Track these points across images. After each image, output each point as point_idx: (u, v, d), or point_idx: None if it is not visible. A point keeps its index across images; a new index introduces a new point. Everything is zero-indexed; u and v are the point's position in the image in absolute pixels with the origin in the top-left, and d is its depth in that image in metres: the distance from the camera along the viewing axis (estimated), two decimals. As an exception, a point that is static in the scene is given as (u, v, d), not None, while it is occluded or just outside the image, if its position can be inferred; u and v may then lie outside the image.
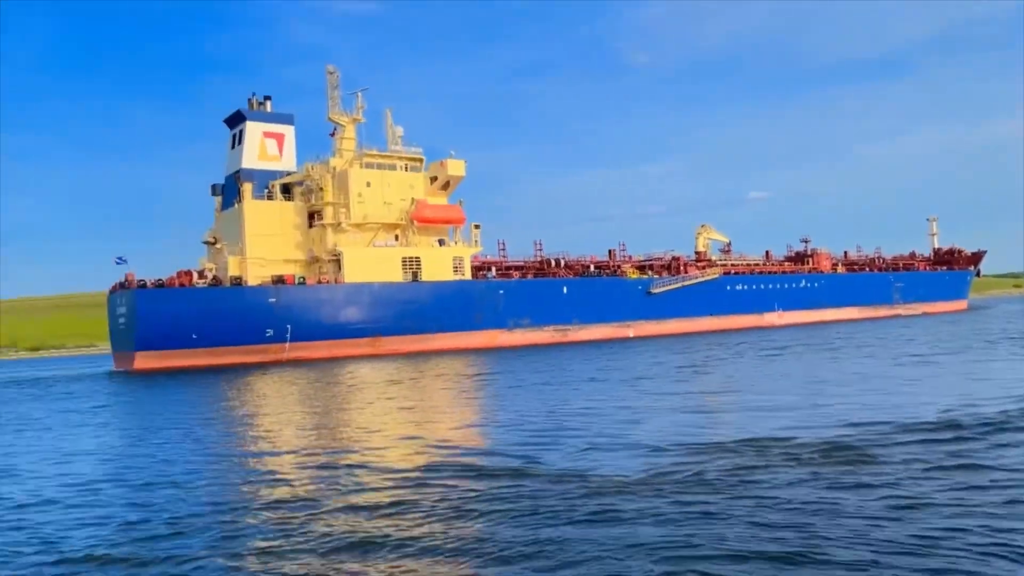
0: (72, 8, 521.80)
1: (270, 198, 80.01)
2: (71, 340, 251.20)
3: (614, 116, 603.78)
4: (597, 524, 10.85)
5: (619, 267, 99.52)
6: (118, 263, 74.11)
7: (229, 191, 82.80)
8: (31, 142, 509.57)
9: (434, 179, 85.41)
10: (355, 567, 9.64)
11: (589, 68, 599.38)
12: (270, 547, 10.73)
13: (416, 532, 10.95)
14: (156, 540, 11.47)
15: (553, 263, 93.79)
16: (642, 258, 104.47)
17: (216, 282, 73.97)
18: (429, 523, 11.42)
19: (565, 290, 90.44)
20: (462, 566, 9.42)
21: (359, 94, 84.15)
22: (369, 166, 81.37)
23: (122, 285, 73.89)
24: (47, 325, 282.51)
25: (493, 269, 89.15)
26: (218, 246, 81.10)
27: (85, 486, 16.10)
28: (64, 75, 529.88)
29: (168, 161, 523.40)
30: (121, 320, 73.53)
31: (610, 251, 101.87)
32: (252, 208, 77.79)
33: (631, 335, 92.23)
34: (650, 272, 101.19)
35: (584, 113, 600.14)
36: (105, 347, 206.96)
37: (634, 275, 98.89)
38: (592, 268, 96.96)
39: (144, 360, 69.29)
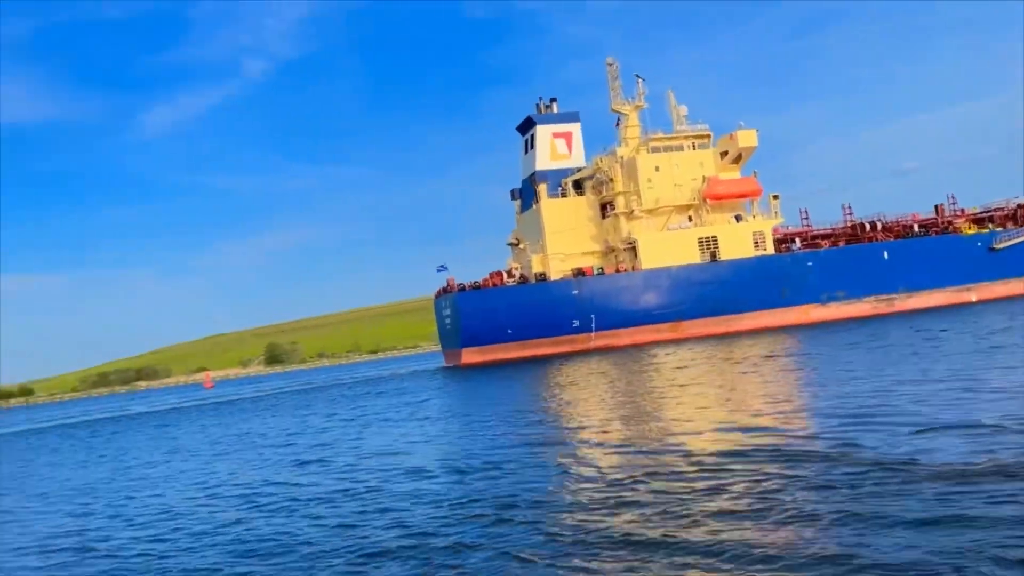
0: (367, 54, 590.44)
1: (563, 195, 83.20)
2: (400, 342, 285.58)
3: (919, 55, 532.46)
4: (932, 521, 9.45)
5: (950, 223, 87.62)
6: (440, 271, 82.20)
7: (526, 194, 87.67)
8: (356, 173, 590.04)
9: (724, 153, 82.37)
10: (663, 556, 9.54)
11: (883, 7, 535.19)
12: (582, 526, 11.05)
13: (723, 523, 10.54)
14: (480, 519, 12.42)
15: (868, 227, 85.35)
16: (979, 210, 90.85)
17: (523, 280, 78.76)
18: (736, 514, 10.93)
19: (885, 255, 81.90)
20: (772, 565, 8.83)
21: (639, 80, 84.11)
22: (656, 150, 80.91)
23: (445, 290, 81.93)
24: (381, 330, 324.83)
25: (798, 240, 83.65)
26: (521, 246, 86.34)
27: (422, 470, 18.01)
28: (370, 111, 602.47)
29: (467, 174, 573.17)
30: (447, 321, 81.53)
31: (936, 206, 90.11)
32: (548, 207, 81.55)
33: (973, 299, 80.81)
34: (991, 225, 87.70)
35: (882, 58, 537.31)
36: (427, 347, 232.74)
37: (971, 230, 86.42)
38: (916, 228, 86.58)
39: (469, 355, 76.15)
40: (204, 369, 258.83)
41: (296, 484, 18.62)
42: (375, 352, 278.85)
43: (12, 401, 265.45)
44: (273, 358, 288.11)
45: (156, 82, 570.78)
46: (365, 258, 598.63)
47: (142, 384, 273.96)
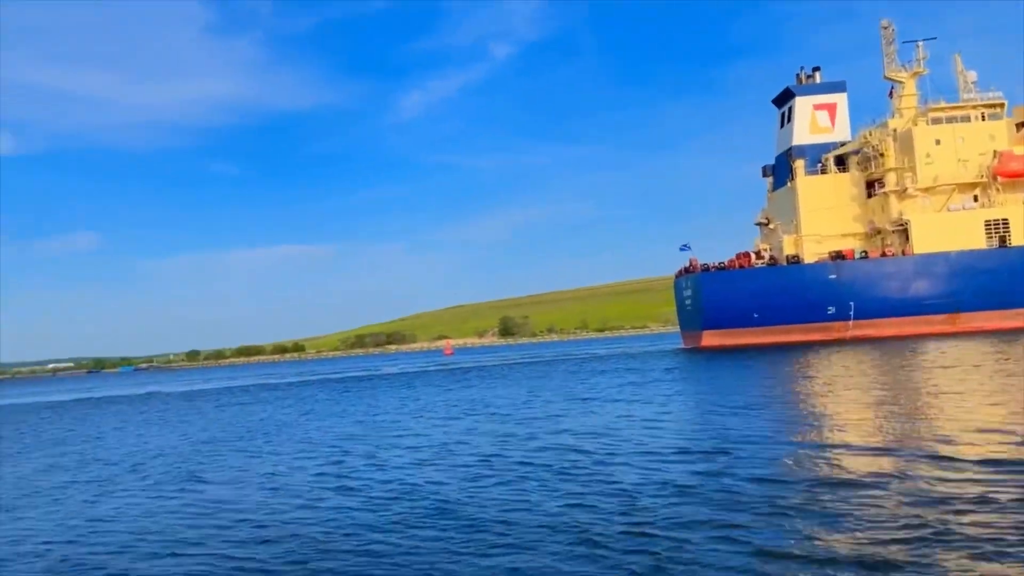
0: (606, 30, 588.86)
1: (823, 172, 78.21)
2: (628, 322, 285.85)
3: None
4: None
5: None
6: (682, 250, 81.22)
7: (780, 170, 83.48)
8: (593, 151, 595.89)
9: (1021, 125, 72.50)
10: (906, 562, 9.02)
11: None
12: (812, 533, 10.70)
13: (981, 547, 9.67)
14: (704, 508, 12.44)
15: None
16: None
17: (773, 262, 75.57)
18: (999, 537, 9.97)
19: None
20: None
21: (919, 44, 76.08)
22: (936, 121, 73.12)
23: (686, 270, 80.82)
24: (609, 309, 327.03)
25: (1117, 225, 71.68)
26: (771, 226, 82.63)
27: (651, 449, 18.27)
28: (608, 89, 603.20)
29: (709, 150, 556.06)
30: (687, 302, 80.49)
31: None
32: (805, 184, 77.17)
33: None
34: None
35: None
36: (656, 327, 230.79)
37: None
38: None
39: (710, 338, 74.81)
40: (445, 337, 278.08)
41: (525, 451, 19.73)
42: (602, 331, 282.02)
43: (287, 355, 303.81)
44: (506, 330, 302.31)
45: (411, 68, 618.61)
46: (597, 236, 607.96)
47: (392, 347, 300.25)
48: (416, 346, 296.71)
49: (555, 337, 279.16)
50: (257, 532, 13.26)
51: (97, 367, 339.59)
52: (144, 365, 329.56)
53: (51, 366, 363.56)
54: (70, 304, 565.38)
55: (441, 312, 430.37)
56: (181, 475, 20.52)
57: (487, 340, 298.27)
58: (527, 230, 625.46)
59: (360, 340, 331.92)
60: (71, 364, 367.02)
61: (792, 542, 10.21)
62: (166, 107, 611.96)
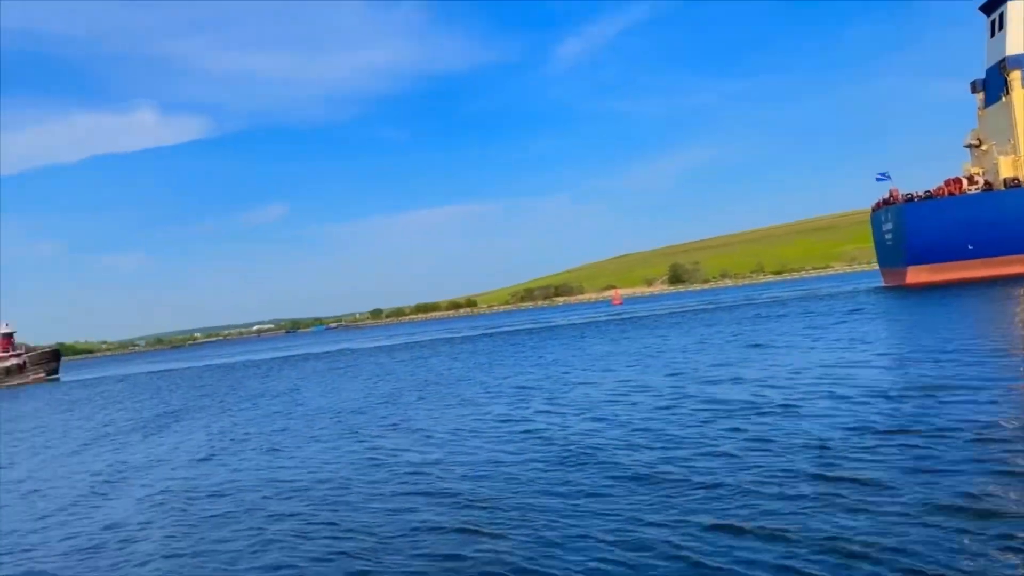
0: None
1: (1043, 83, 69.92)
2: (808, 263, 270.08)
3: None
4: None
5: None
6: (880, 179, 75.72)
7: (992, 85, 75.41)
8: (768, 82, 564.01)
9: None
10: None
11: None
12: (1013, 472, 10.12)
13: None
14: (902, 452, 12.01)
15: None
16: None
17: (988, 187, 69.13)
18: None
19: None
20: None
21: None
22: None
23: (886, 201, 75.49)
24: (787, 250, 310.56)
25: None
26: (984, 148, 75.19)
27: (843, 394, 17.62)
28: (783, 13, 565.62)
29: (903, 68, 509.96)
30: (887, 237, 75.43)
31: None
32: (1023, 99, 69.44)
33: None
34: None
35: None
36: (840, 268, 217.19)
37: None
38: None
39: (916, 274, 69.93)
40: (612, 287, 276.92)
41: (704, 396, 19.71)
42: (780, 273, 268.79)
43: (461, 311, 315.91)
44: (676, 277, 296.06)
45: (568, 15, 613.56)
46: (768, 175, 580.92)
47: (560, 299, 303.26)
48: (584, 297, 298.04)
49: (729, 282, 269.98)
50: (448, 471, 14.39)
51: (293, 327, 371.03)
52: (334, 324, 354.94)
53: (256, 327, 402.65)
54: (267, 270, 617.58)
55: (607, 262, 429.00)
56: (375, 423, 22.32)
57: (656, 288, 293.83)
58: (693, 173, 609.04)
59: (529, 293, 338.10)
60: (271, 325, 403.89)
61: (1010, 496, 9.66)
62: (338, 79, 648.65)
